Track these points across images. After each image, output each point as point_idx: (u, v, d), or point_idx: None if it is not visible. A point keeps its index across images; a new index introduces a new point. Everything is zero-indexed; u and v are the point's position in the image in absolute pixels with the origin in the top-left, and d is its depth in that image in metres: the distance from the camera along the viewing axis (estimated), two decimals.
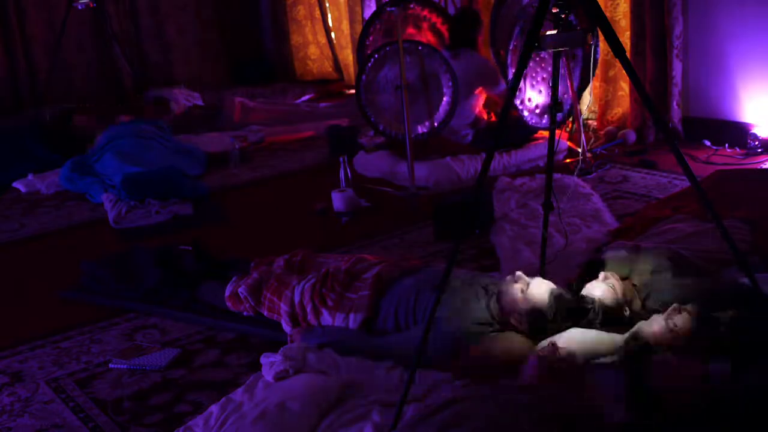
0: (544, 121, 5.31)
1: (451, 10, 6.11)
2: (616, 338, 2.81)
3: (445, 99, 5.09)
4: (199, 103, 7.05)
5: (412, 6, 5.59)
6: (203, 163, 5.73)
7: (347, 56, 7.66)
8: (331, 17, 7.84)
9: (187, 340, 3.36)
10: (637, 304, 2.91)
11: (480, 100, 5.46)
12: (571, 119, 5.40)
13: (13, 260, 4.51)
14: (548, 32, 2.62)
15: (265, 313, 3.33)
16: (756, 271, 2.48)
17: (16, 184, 5.64)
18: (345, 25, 7.58)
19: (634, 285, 2.97)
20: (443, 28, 5.71)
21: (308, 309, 3.19)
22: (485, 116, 5.49)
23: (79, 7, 6.27)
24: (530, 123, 5.25)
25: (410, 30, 5.64)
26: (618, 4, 5.39)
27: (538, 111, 5.26)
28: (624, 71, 2.91)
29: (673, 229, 3.51)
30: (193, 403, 2.89)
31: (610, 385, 2.40)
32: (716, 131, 5.19)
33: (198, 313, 3.53)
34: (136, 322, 3.55)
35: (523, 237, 3.87)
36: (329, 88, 7.61)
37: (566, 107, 5.22)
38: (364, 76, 5.09)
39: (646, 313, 2.86)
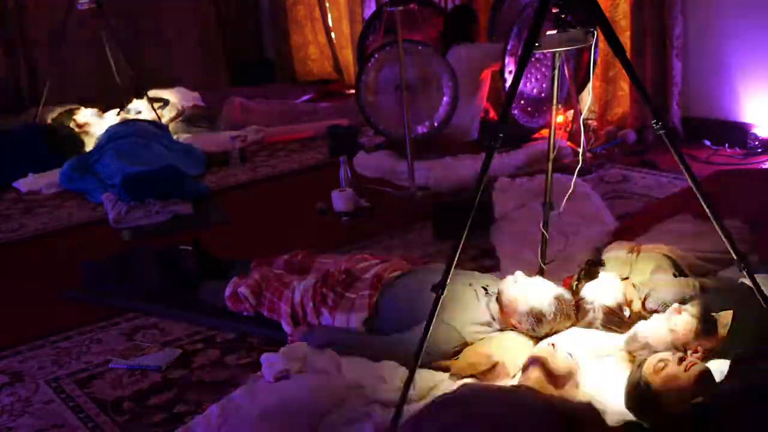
0: (535, 120, 5.32)
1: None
2: (615, 338, 2.82)
3: (445, 99, 5.09)
4: (199, 103, 7.04)
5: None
6: (203, 163, 5.73)
7: (347, 56, 7.66)
8: (331, 17, 7.83)
9: (187, 340, 3.36)
10: (637, 304, 2.91)
11: (485, 86, 5.43)
12: (571, 119, 5.41)
13: (13, 260, 4.51)
14: (548, 32, 2.61)
15: (265, 313, 3.33)
16: (756, 271, 2.47)
17: (16, 184, 5.64)
18: (345, 25, 7.57)
19: (633, 285, 2.97)
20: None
21: (308, 309, 3.19)
22: (491, 111, 5.48)
23: (80, 8, 6.27)
24: (521, 122, 5.25)
25: None
26: (618, 4, 5.39)
27: (529, 110, 5.26)
28: (624, 71, 2.91)
29: (673, 229, 3.51)
30: (193, 403, 2.89)
31: None
32: (716, 131, 5.18)
33: (198, 313, 3.53)
34: (136, 322, 3.55)
35: (523, 237, 3.86)
36: (329, 88, 7.60)
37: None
38: (364, 76, 5.09)
39: (646, 313, 2.86)
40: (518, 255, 3.69)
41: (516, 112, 5.21)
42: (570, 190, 2.98)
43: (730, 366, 2.29)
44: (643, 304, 2.90)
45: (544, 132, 5.21)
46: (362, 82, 5.10)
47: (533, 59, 5.17)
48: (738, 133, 5.08)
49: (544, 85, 5.29)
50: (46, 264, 4.40)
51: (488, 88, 5.46)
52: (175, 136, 6.18)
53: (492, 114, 5.58)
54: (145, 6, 7.81)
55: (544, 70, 5.31)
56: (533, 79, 5.29)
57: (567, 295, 2.93)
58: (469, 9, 5.67)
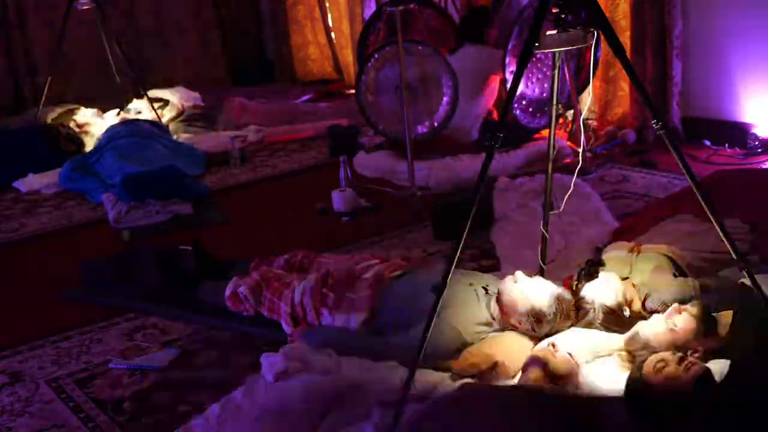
0: (536, 121, 5.32)
1: (451, 9, 6.11)
2: (615, 338, 2.82)
3: (445, 99, 5.09)
4: (199, 103, 7.04)
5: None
6: (203, 163, 5.73)
7: (347, 56, 7.66)
8: (331, 17, 7.84)
9: (187, 340, 3.36)
10: (637, 304, 2.91)
11: (494, 90, 5.43)
12: (571, 119, 5.40)
13: (13, 260, 4.51)
14: (548, 32, 2.61)
15: (265, 313, 3.33)
16: (756, 271, 2.47)
17: (16, 184, 5.64)
18: (345, 25, 7.58)
19: (633, 285, 2.97)
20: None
21: (308, 309, 3.19)
22: (495, 115, 5.48)
23: (79, 7, 6.27)
24: (522, 122, 5.25)
25: None
26: (618, 4, 5.39)
27: (531, 110, 5.26)
28: (624, 71, 2.91)
29: (673, 229, 3.51)
30: (193, 403, 2.89)
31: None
32: (716, 131, 5.18)
33: (198, 313, 3.53)
34: (136, 322, 3.55)
35: (523, 237, 3.86)
36: (329, 88, 7.61)
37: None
38: (364, 76, 5.09)
39: (646, 313, 2.86)
40: (518, 255, 3.69)
41: (518, 112, 5.21)
42: (570, 190, 2.98)
43: (730, 366, 2.29)
44: (643, 304, 2.90)
45: (545, 132, 5.21)
46: (362, 82, 5.10)
47: (534, 59, 5.17)
48: (738, 133, 5.08)
49: (545, 85, 5.29)
50: (46, 264, 4.40)
51: (496, 94, 5.47)
52: (175, 136, 6.19)
53: (495, 116, 5.58)
54: (145, 6, 7.81)
55: (545, 70, 5.31)
56: (534, 79, 5.29)
57: (567, 295, 2.93)
58: (486, 11, 5.68)
